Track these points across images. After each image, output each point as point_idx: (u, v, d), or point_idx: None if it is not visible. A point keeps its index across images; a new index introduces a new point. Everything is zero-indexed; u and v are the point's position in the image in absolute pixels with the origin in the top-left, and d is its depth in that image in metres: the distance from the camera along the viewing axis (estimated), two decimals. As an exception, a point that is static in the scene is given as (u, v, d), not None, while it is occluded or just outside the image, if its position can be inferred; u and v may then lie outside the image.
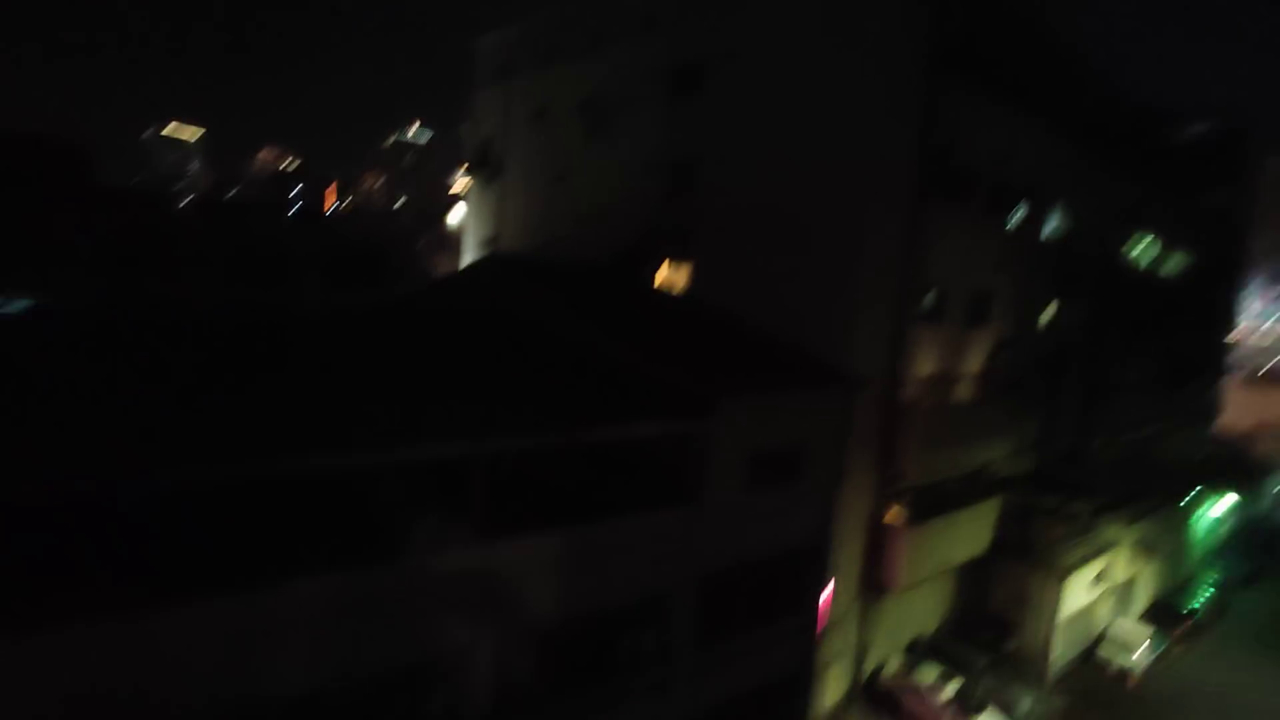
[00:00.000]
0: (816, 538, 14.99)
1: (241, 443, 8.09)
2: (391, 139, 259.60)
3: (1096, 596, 22.14)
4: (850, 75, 16.35)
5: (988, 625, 20.87)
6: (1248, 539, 34.29)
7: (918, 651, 19.52)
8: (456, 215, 49.04)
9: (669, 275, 20.72)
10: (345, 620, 8.57)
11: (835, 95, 16.56)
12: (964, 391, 20.06)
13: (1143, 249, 28.70)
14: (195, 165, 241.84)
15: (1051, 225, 22.73)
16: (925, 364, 18.46)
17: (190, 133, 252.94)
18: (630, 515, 11.62)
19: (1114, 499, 23.70)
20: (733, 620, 13.34)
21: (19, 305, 23.62)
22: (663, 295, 19.71)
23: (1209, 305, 35.62)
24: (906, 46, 16.45)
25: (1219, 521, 32.12)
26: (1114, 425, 26.56)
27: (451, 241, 47.45)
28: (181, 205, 44.46)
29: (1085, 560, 21.15)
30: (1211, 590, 27.61)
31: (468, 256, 29.96)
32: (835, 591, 16.41)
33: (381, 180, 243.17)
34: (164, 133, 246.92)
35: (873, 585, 17.76)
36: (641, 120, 21.29)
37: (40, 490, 6.66)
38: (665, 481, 12.48)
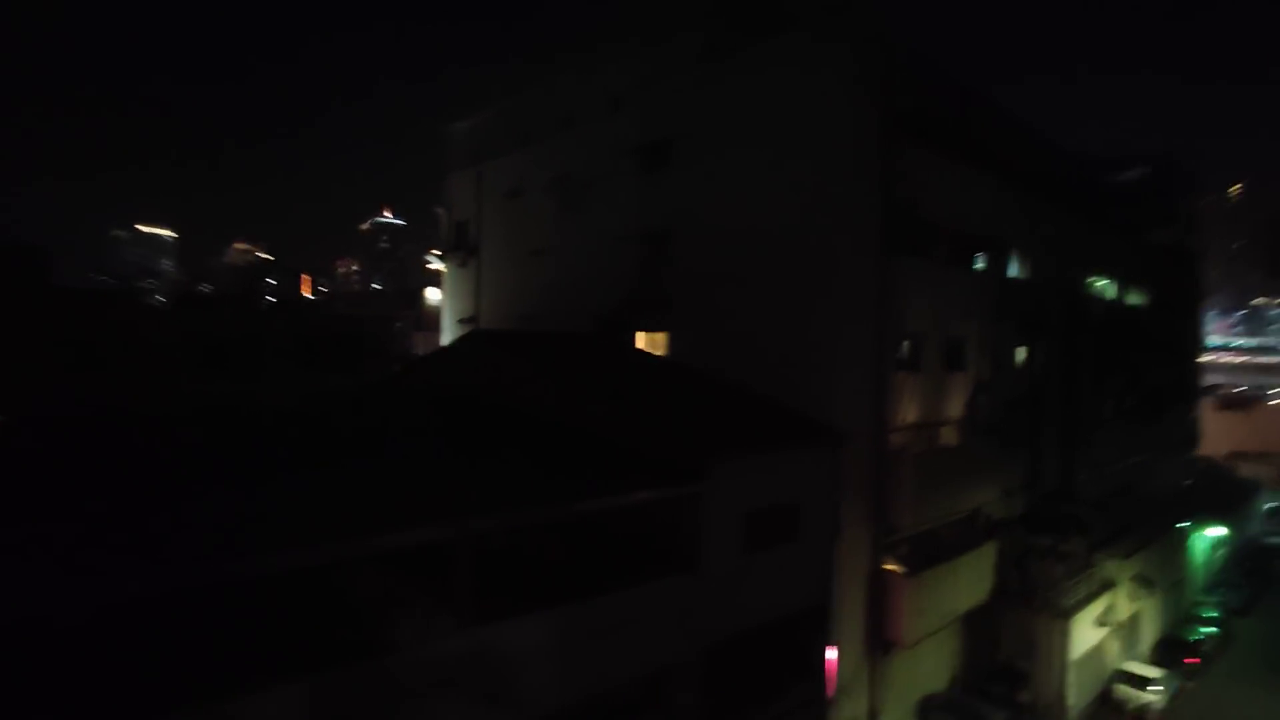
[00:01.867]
0: (818, 596, 14.72)
1: (233, 541, 7.84)
2: (364, 225, 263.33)
3: (1104, 636, 21.84)
4: (810, 145, 17.11)
5: (999, 676, 20.40)
6: (1240, 565, 34.36)
7: (931, 710, 18.94)
8: (434, 295, 49.45)
9: (650, 340, 20.95)
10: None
11: (798, 163, 17.28)
12: (949, 436, 20.25)
13: (1103, 288, 29.80)
14: (166, 262, 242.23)
15: (1013, 271, 23.58)
16: (908, 411, 18.66)
17: (159, 231, 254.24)
18: (627, 588, 11.33)
19: (1107, 534, 23.74)
20: (741, 692, 12.89)
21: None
22: (645, 357, 19.84)
23: (1175, 337, 36.73)
24: (862, 117, 17.33)
25: (1212, 549, 32.20)
26: (1097, 460, 26.85)
27: (430, 320, 47.59)
28: (153, 301, 44.22)
29: (1088, 599, 20.97)
30: (1214, 620, 27.42)
31: (447, 335, 30.05)
32: (841, 653, 16.01)
33: (356, 266, 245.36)
34: (129, 230, 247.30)
35: (880, 643, 17.36)
36: (614, 194, 21.94)
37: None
38: (661, 550, 12.26)
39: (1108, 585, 22.16)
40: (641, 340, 21.09)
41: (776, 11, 18.83)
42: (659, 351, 20.54)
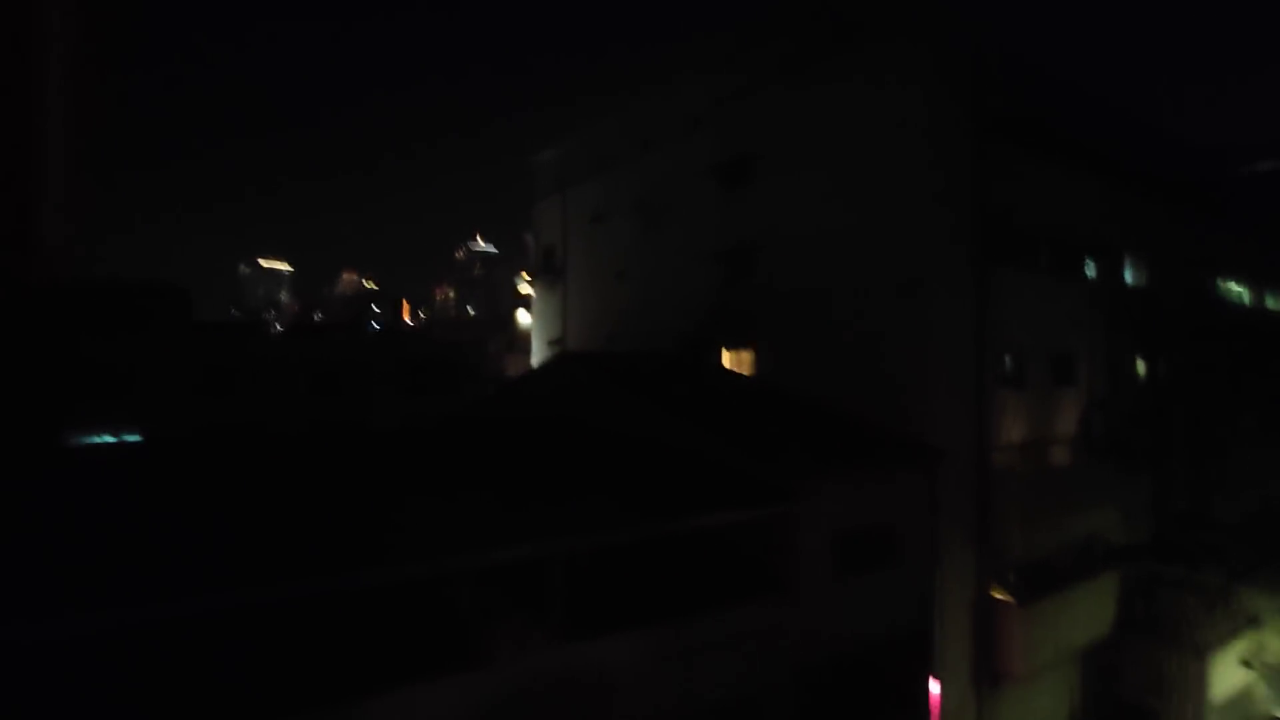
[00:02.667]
0: (918, 623, 14.04)
1: (360, 554, 8.39)
2: (459, 252, 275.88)
3: (1252, 679, 19.62)
4: (897, 153, 16.64)
5: (1126, 716, 18.69)
6: None
7: (1048, 750, 17.59)
8: (525, 318, 51.17)
9: (735, 358, 20.82)
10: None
11: (886, 173, 16.82)
12: (1060, 456, 18.94)
13: (1237, 291, 27.21)
14: (284, 294, 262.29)
15: (1129, 277, 21.95)
16: (1013, 430, 17.61)
17: (278, 265, 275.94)
18: (717, 611, 11.22)
19: (1250, 563, 21.41)
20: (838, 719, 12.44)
21: (129, 439, 25.64)
22: (731, 376, 19.74)
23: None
24: (951, 122, 16.70)
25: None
26: (1236, 480, 24.33)
27: (522, 343, 49.22)
28: (274, 332, 48.01)
29: (1230, 636, 18.92)
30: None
31: (537, 356, 30.96)
32: (945, 684, 15.16)
33: (452, 292, 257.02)
34: (253, 266, 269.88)
35: (988, 676, 16.32)
36: (696, 213, 22.07)
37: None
38: (751, 573, 12.09)
39: (1253, 621, 19.94)
40: (727, 359, 20.99)
41: (857, 20, 18.54)
42: (745, 370, 20.36)
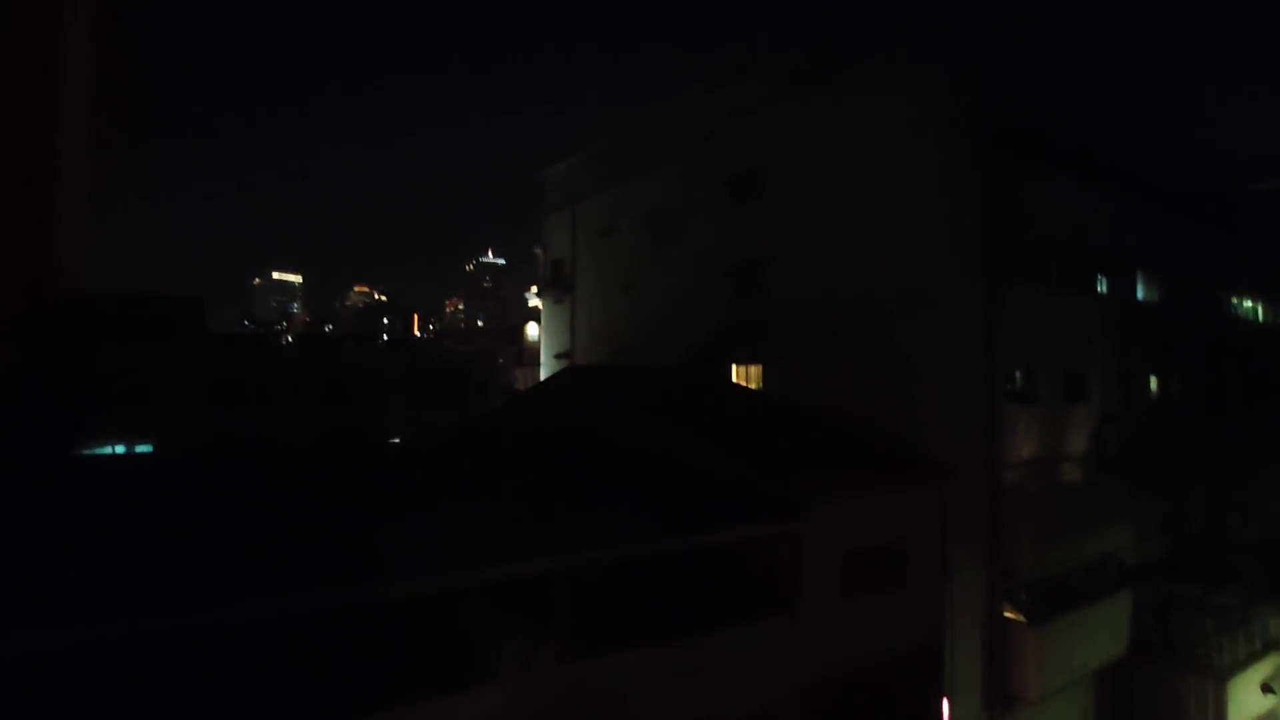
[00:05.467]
0: (928, 642, 13.85)
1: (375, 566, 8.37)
2: (469, 264, 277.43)
3: (1274, 705, 19.21)
4: (906, 168, 16.64)
5: (1142, 741, 18.33)
6: None
7: (1062, 775, 17.25)
8: (533, 331, 51.32)
9: (744, 373, 20.76)
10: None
11: (896, 188, 16.81)
12: (1071, 473, 18.71)
13: (1251, 308, 26.95)
14: (295, 306, 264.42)
15: (1141, 293, 21.77)
16: (1025, 447, 17.44)
17: (290, 277, 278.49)
18: (726, 628, 11.12)
19: (1268, 584, 21.02)
20: (845, 741, 12.25)
21: (141, 449, 25.80)
22: (740, 391, 19.66)
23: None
24: (961, 136, 16.69)
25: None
26: (1252, 499, 23.96)
27: (531, 355, 49.33)
28: (284, 343, 48.41)
29: (1249, 660, 18.54)
30: None
31: (546, 369, 31.00)
32: (956, 708, 14.92)
33: (462, 305, 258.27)
34: (266, 278, 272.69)
35: (1000, 698, 16.06)
36: (706, 226, 22.11)
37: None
38: (761, 589, 11.98)
39: (1273, 644, 19.56)
40: (736, 373, 20.94)
41: (868, 36, 18.59)
42: (753, 384, 20.30)
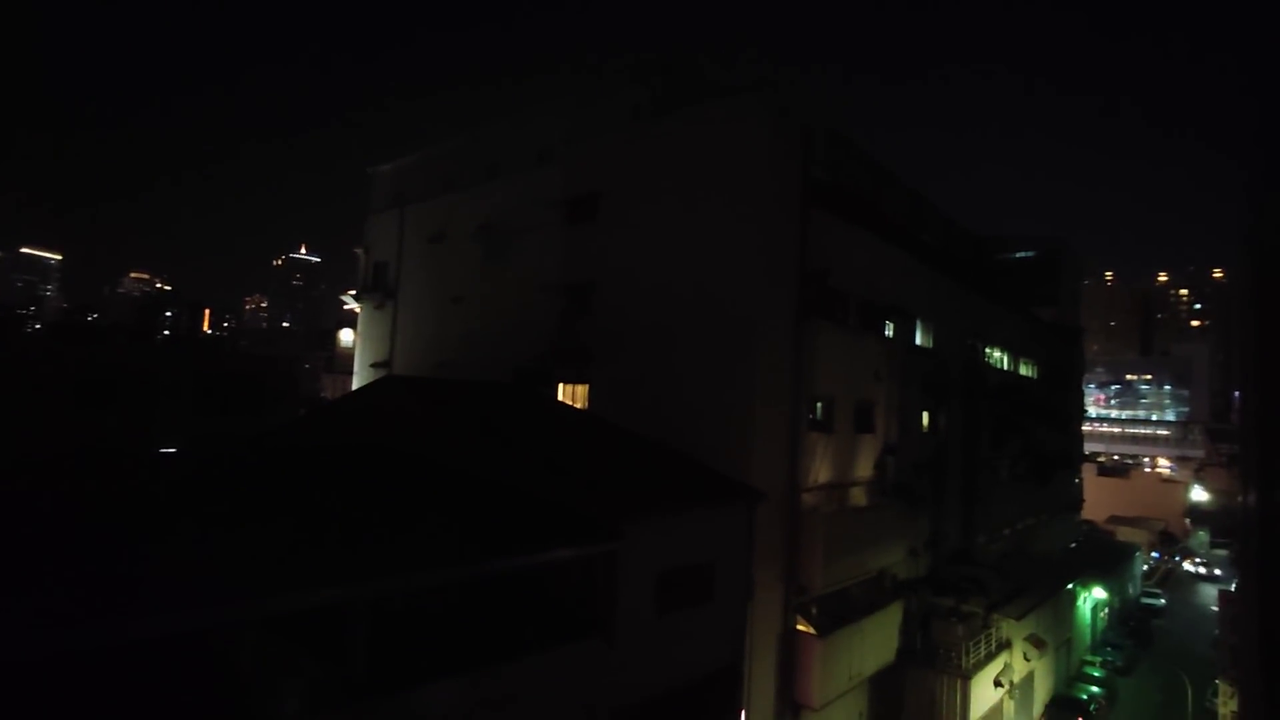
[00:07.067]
0: (730, 658, 14.50)
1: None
2: (277, 261, 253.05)
3: (1001, 696, 22.46)
4: (730, 209, 17.75)
5: (904, 738, 20.53)
6: (1121, 625, 36.47)
7: (839, 774, 18.78)
8: (348, 337, 47.60)
9: (570, 392, 20.73)
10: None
11: (718, 225, 17.86)
12: (858, 497, 20.75)
13: (998, 358, 31.88)
14: (49, 289, 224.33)
15: (919, 339, 24.90)
16: (820, 472, 19.06)
17: (46, 254, 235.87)
18: (538, 653, 10.81)
19: (1004, 595, 24.71)
20: (650, 761, 12.38)
21: None
22: (565, 410, 19.56)
23: (1060, 406, 39.52)
24: (781, 186, 18.16)
25: (1096, 609, 34.04)
26: (994, 521, 28.12)
27: (343, 363, 45.64)
28: (31, 330, 40.70)
29: (987, 660, 21.59)
30: (1100, 679, 28.78)
31: (360, 378, 28.83)
32: (751, 716, 15.73)
33: (265, 303, 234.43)
34: (10, 253, 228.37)
35: (789, 705, 17.21)
36: (539, 245, 21.95)
37: None
38: (573, 612, 11.82)
39: (1004, 645, 22.94)
40: (563, 393, 20.86)
41: (707, 80, 19.69)
42: (580, 404, 20.33)
